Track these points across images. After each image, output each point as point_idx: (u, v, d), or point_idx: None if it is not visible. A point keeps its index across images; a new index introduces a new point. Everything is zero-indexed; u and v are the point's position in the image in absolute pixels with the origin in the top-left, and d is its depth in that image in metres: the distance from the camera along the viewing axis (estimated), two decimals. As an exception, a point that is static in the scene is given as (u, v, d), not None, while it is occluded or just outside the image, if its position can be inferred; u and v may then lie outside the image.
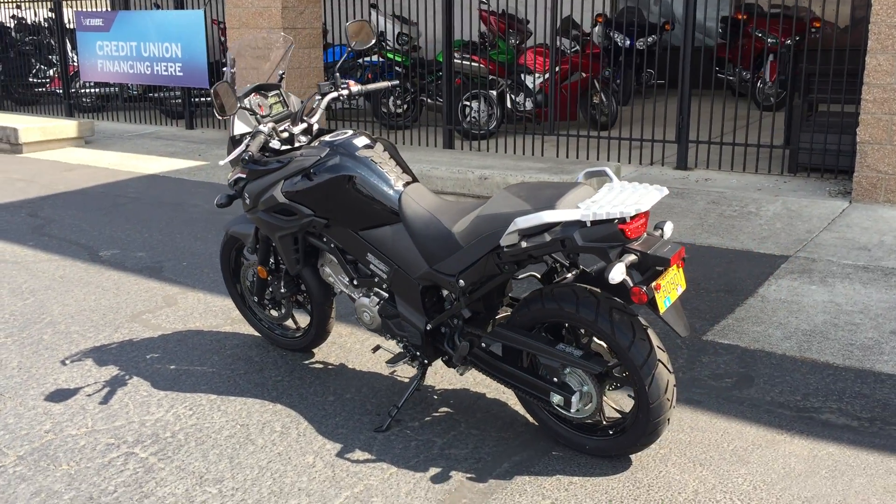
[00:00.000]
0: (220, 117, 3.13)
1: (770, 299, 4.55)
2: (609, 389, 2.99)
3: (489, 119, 9.58)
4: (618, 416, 3.05)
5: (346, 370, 3.77)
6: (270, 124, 3.24)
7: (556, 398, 2.91)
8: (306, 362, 3.87)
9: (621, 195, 2.68)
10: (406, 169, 3.29)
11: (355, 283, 3.35)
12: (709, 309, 4.45)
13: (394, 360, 3.27)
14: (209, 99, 11.43)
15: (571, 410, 2.89)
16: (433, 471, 2.97)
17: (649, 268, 2.65)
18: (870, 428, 3.22)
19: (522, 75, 9.79)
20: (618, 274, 2.53)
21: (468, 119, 9.53)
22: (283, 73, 3.64)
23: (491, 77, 9.64)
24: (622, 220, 2.59)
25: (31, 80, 13.87)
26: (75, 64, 12.51)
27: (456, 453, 3.09)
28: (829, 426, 3.24)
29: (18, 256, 5.61)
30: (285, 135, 3.35)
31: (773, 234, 5.71)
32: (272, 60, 3.69)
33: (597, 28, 11.06)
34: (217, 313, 4.50)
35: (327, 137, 3.31)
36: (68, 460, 3.05)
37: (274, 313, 3.92)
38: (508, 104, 9.68)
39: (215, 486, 2.89)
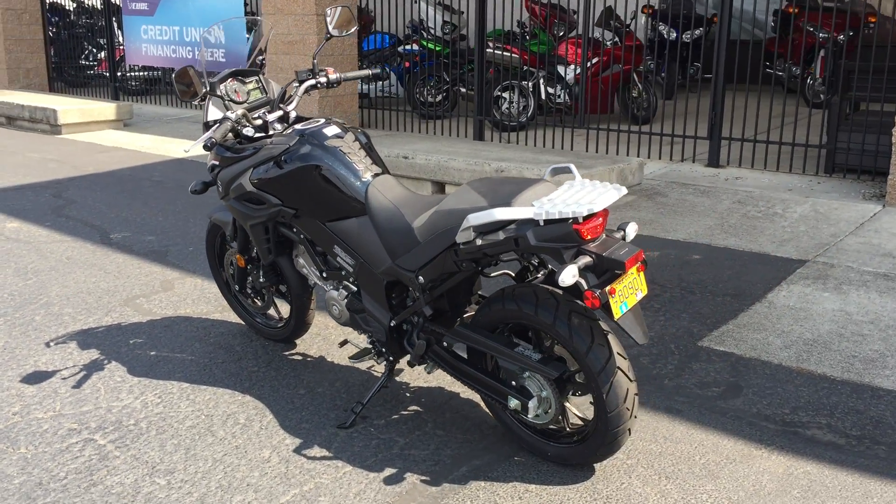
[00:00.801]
0: (183, 100, 3.09)
1: (777, 305, 4.36)
2: (573, 396, 2.87)
3: (523, 111, 9.43)
4: (581, 423, 2.93)
5: (324, 363, 3.71)
6: (240, 111, 3.18)
7: (514, 402, 2.80)
8: (286, 353, 3.82)
9: (578, 194, 2.55)
10: (377, 160, 3.20)
11: (324, 275, 3.28)
12: (711, 313, 4.28)
13: (357, 356, 3.19)
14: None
15: (529, 416, 2.78)
16: (388, 471, 2.89)
17: (606, 271, 2.52)
18: (857, 446, 3.04)
19: (559, 66, 9.61)
20: (568, 277, 2.41)
21: (501, 110, 9.40)
22: (264, 59, 3.58)
23: (526, 68, 9.48)
24: (576, 220, 2.47)
25: (81, 62, 14.13)
26: (122, 47, 12.69)
27: (416, 454, 3.00)
28: (812, 443, 3.07)
29: (32, 236, 5.68)
30: (258, 122, 3.29)
31: (794, 237, 5.48)
32: (251, 46, 3.62)
33: (642, 19, 10.81)
34: (210, 300, 4.48)
35: (299, 126, 3.24)
36: (27, 444, 3.05)
37: (258, 302, 3.88)
38: (543, 96, 9.52)
39: (165, 477, 2.85)
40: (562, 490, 2.78)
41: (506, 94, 9.38)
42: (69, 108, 9.73)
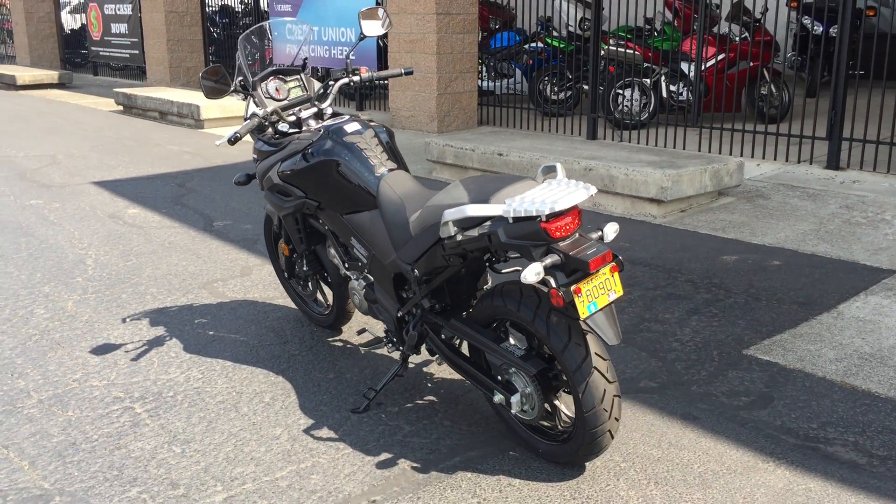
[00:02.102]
0: (209, 98, 3.31)
1: (846, 317, 4.13)
2: (565, 393, 2.88)
3: (643, 109, 9.25)
4: (569, 422, 2.93)
5: (360, 351, 3.86)
6: (272, 107, 3.37)
7: (498, 397, 2.84)
8: (329, 339, 4.00)
9: (550, 192, 2.56)
10: (394, 157, 3.31)
11: (346, 266, 3.43)
12: (770, 321, 4.11)
13: (369, 345, 3.32)
14: (377, 82, 11.85)
15: (512, 410, 2.81)
16: (384, 456, 3.01)
17: (575, 270, 2.52)
18: (878, 468, 2.87)
19: (682, 63, 9.35)
20: (531, 274, 2.43)
21: (620, 108, 9.25)
22: (307, 59, 3.76)
23: (647, 65, 9.28)
24: (543, 218, 2.48)
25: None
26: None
27: (416, 441, 3.10)
28: (829, 460, 2.92)
29: (146, 222, 6.17)
30: (292, 118, 3.48)
31: (892, 246, 5.14)
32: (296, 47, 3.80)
33: (783, 14, 10.31)
34: (278, 286, 4.74)
35: (326, 122, 3.40)
36: (75, 407, 3.37)
37: (306, 289, 4.08)
38: (664, 93, 9.29)
39: (181, 445, 3.09)
40: (544, 487, 2.79)
41: (626, 92, 9.23)
42: (210, 104, 10.41)
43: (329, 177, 3.24)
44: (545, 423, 2.93)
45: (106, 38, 17.28)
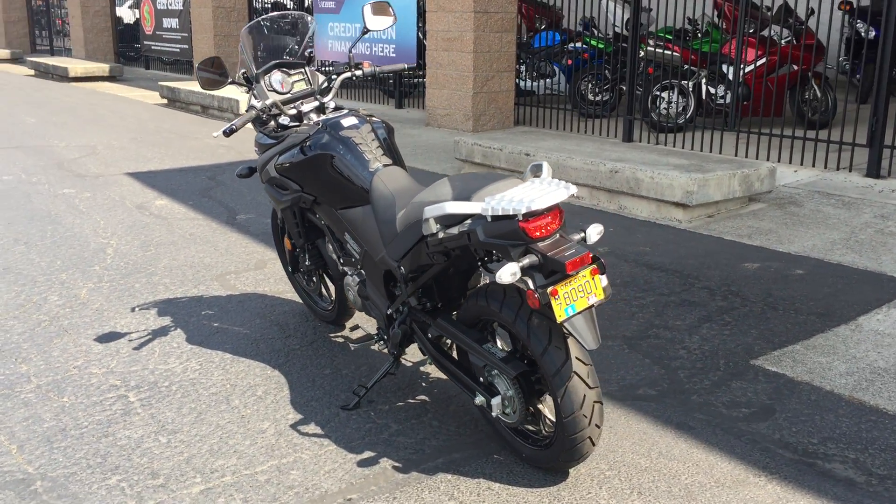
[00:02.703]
0: (204, 90, 3.31)
1: (865, 329, 3.98)
2: (548, 397, 2.81)
3: (682, 111, 9.08)
4: (552, 427, 2.86)
5: (362, 347, 3.83)
6: (271, 100, 3.36)
7: (479, 399, 2.78)
8: (330, 335, 3.99)
9: (529, 191, 2.50)
10: (390, 152, 3.27)
11: (341, 261, 3.40)
12: (784, 332, 3.98)
13: (358, 341, 3.29)
14: (417, 80, 11.85)
15: (493, 413, 2.76)
16: (367, 454, 2.97)
17: (554, 272, 2.45)
18: (875, 486, 2.76)
19: (724, 66, 9.15)
20: (506, 275, 2.38)
21: (659, 110, 9.09)
22: (311, 52, 3.75)
23: (688, 67, 9.11)
24: (524, 218, 2.42)
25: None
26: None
27: (402, 441, 3.06)
28: (824, 476, 2.81)
29: (171, 213, 6.24)
30: (293, 111, 3.46)
31: (924, 257, 4.95)
32: (298, 40, 3.79)
33: (837, 17, 10.01)
34: (289, 281, 4.74)
35: (324, 116, 3.38)
36: (71, 394, 3.40)
37: (310, 284, 4.07)
38: (704, 96, 9.11)
39: (168, 436, 3.09)
40: (524, 492, 2.73)
41: (664, 94, 9.07)
42: (245, 98, 10.50)
43: (324, 171, 3.22)
44: (530, 427, 2.87)
45: (158, 33, 17.57)
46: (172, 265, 5.02)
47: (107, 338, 3.96)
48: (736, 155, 7.61)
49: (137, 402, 3.34)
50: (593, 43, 10.32)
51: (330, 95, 3.56)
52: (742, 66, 8.98)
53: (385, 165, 3.20)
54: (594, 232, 2.59)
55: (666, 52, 9.08)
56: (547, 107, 9.99)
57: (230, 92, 11.16)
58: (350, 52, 3.58)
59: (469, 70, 9.35)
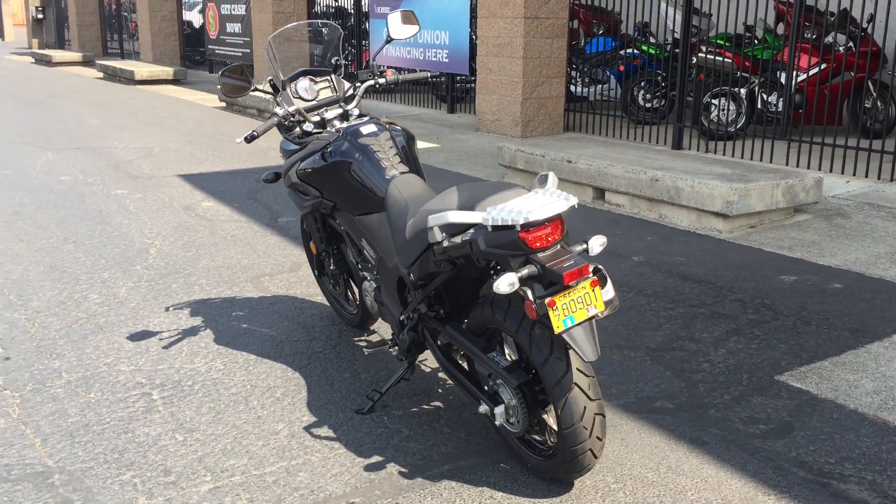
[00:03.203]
0: (226, 96, 3.38)
1: (899, 346, 3.87)
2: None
3: (735, 119, 8.92)
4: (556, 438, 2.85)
5: (381, 352, 3.87)
6: (293, 108, 3.42)
7: (483, 407, 2.79)
8: (354, 338, 4.03)
9: (530, 202, 2.49)
10: (408, 160, 3.30)
11: (360, 266, 3.44)
12: (814, 347, 3.89)
13: (373, 346, 3.32)
14: (469, 85, 11.88)
15: (496, 422, 2.76)
16: (375, 458, 3.00)
17: (553, 283, 2.45)
18: (890, 510, 2.68)
19: (779, 73, 8.97)
20: (504, 285, 2.38)
21: (710, 118, 8.95)
22: (338, 60, 3.80)
23: (742, 74, 8.95)
24: (523, 228, 2.42)
25: (346, 62, 15.33)
26: (368, 49, 13.62)
27: (412, 447, 3.08)
28: (837, 497, 2.74)
29: (216, 215, 6.38)
30: (316, 118, 3.52)
31: (972, 273, 4.78)
32: (324, 48, 3.85)
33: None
34: (321, 284, 4.81)
35: (345, 123, 3.42)
36: (98, 390, 3.51)
37: (336, 288, 4.12)
38: (758, 104, 8.93)
39: (184, 434, 3.17)
40: (525, 502, 2.73)
41: (717, 102, 8.92)
42: (300, 103, 10.66)
43: (342, 177, 3.26)
44: (536, 438, 2.86)
45: (221, 37, 17.94)
46: (210, 266, 5.14)
47: (139, 336, 4.08)
48: (787, 164, 7.46)
49: (160, 400, 3.43)
50: (646, 49, 10.21)
51: (354, 103, 3.60)
52: (798, 73, 8.79)
53: (402, 173, 3.23)
54: (597, 243, 2.58)
55: (718, 58, 8.93)
56: (598, 113, 9.92)
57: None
58: (373, 59, 3.68)
59: (518, 76, 9.34)
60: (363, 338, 4.05)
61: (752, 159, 7.72)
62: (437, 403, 3.39)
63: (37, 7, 30.32)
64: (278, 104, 3.54)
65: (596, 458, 2.65)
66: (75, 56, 22.82)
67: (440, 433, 3.17)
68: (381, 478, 2.89)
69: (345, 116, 3.60)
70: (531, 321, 2.58)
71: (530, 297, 2.44)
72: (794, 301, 4.47)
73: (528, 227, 2.43)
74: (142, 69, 16.67)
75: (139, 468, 2.94)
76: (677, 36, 10.89)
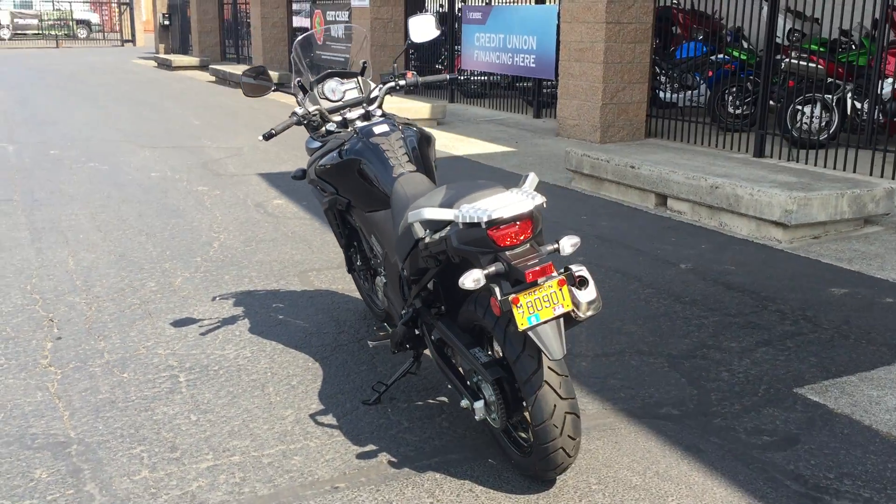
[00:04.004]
0: (247, 96, 3.54)
1: (938, 364, 3.69)
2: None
3: (825, 127, 8.60)
4: None
5: (369, 345, 3.94)
6: (314, 108, 3.56)
7: (464, 402, 2.84)
8: (382, 333, 4.14)
9: (499, 200, 2.53)
10: (418, 160, 3.38)
11: (371, 262, 3.55)
12: (846, 361, 3.76)
13: (376, 339, 3.41)
14: (555, 90, 11.84)
15: (476, 417, 2.81)
16: (370, 447, 3.10)
17: (519, 280, 2.48)
18: (878, 529, 2.59)
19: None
20: (468, 281, 2.44)
21: (799, 126, 8.66)
22: (366, 63, 3.91)
23: (832, 80, 8.62)
24: (491, 226, 2.47)
25: (437, 66, 15.54)
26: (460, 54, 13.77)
27: (407, 438, 3.16)
28: (824, 513, 2.67)
29: (283, 212, 6.62)
30: (338, 118, 3.64)
31: None
32: (352, 50, 3.97)
33: None
34: (363, 280, 4.95)
35: (363, 122, 3.53)
36: (132, 370, 3.74)
37: (369, 282, 4.24)
38: (849, 111, 8.58)
39: (198, 415, 3.35)
40: (502, 497, 2.77)
41: (806, 109, 8.63)
42: (388, 107, 10.91)
43: (353, 175, 3.38)
44: (522, 435, 2.90)
45: (327, 43, 18.49)
46: (264, 260, 5.35)
47: (181, 323, 4.31)
48: (871, 175, 7.15)
49: (185, 383, 3.63)
50: (736, 54, 9.95)
51: (376, 104, 3.71)
52: (890, 80, 8.40)
53: (410, 172, 3.32)
54: (568, 244, 2.59)
55: (808, 64, 8.64)
56: (683, 120, 9.73)
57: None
58: (394, 63, 3.73)
59: (598, 80, 9.28)
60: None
61: (835, 169, 7.44)
62: (443, 398, 3.46)
63: (164, 14, 31.90)
64: (300, 104, 3.69)
65: (570, 456, 2.66)
66: (193, 60, 23.92)
67: (438, 427, 3.24)
68: (370, 465, 2.98)
69: (366, 117, 3.71)
70: (507, 319, 2.62)
71: (496, 294, 2.48)
72: (837, 314, 4.32)
73: (495, 224, 2.47)
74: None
75: (150, 444, 3.13)
76: (780, 41, 10.58)
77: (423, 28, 3.72)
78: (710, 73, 10.21)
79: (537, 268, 2.42)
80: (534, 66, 11.42)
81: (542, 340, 2.48)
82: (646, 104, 9.67)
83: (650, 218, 6.34)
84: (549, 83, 11.86)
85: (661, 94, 10.96)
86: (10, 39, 38.24)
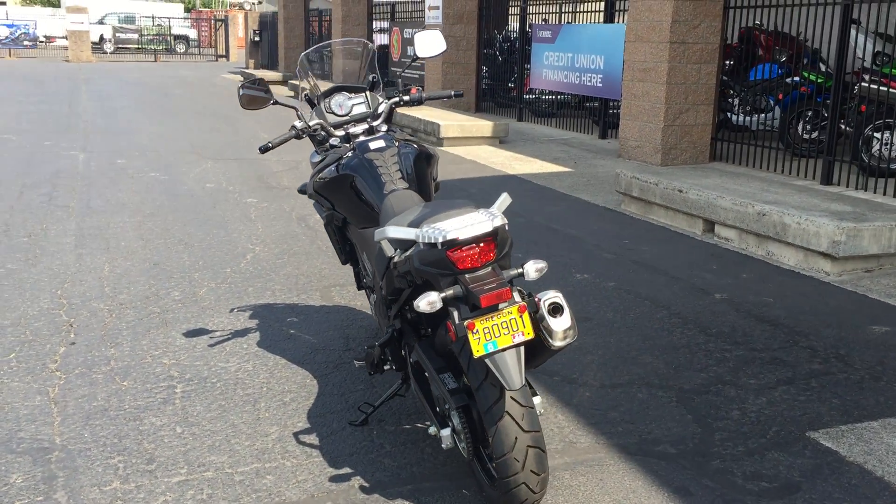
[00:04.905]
0: (245, 108, 3.51)
1: (974, 414, 3.40)
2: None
3: (901, 154, 8.16)
4: None
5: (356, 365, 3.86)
6: (314, 121, 3.52)
7: (432, 429, 2.74)
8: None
9: (459, 221, 2.42)
10: (412, 178, 3.29)
11: (364, 280, 3.47)
12: (872, 405, 3.50)
13: (361, 359, 3.32)
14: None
15: (443, 445, 2.70)
16: (345, 470, 3.02)
17: (476, 305, 2.36)
18: (867, 593, 2.37)
19: (954, 106, 8.11)
20: (423, 303, 2.34)
21: (871, 152, 8.25)
22: (375, 77, 3.85)
23: (909, 106, 8.18)
24: (447, 246, 2.37)
25: (509, 85, 15.47)
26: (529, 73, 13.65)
27: (386, 462, 3.07)
28: (810, 571, 2.46)
29: (322, 226, 6.61)
30: (340, 133, 3.59)
31: None
32: (359, 64, 3.92)
33: None
34: (384, 298, 4.88)
35: (362, 137, 3.47)
36: (133, 379, 3.76)
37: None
38: (927, 139, 8.13)
39: (183, 427, 3.33)
40: (467, 531, 2.65)
41: (880, 135, 8.21)
42: (451, 123, 10.87)
43: (346, 190, 3.32)
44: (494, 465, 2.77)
45: (403, 60, 18.63)
46: (291, 274, 5.35)
47: (193, 333, 4.32)
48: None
49: (180, 394, 3.62)
50: (810, 77, 9.56)
51: (380, 119, 3.65)
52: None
53: (403, 189, 3.24)
54: (532, 268, 2.47)
55: (882, 88, 8.22)
56: (750, 144, 9.39)
57: (437, 116, 11.60)
58: (399, 77, 3.69)
59: (661, 102, 9.04)
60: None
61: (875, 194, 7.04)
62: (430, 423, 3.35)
63: (255, 31, 32.80)
64: (300, 118, 3.65)
65: (534, 492, 2.53)
66: (277, 76, 24.45)
67: (420, 453, 3.13)
68: (341, 489, 2.90)
69: (371, 132, 3.65)
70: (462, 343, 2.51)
71: (454, 318, 2.37)
72: (873, 354, 4.04)
73: (454, 246, 2.37)
74: (326, 86, 17.59)
75: (129, 454, 3.12)
76: (866, 64, 10.13)
77: (430, 43, 3.66)
78: (781, 97, 9.84)
79: (493, 293, 2.31)
80: (600, 85, 11.23)
81: (500, 369, 2.36)
82: (711, 126, 9.37)
83: (695, 244, 6.10)
84: (616, 103, 11.64)
85: (733, 117, 10.62)
86: (112, 53, 39.93)
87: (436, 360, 2.79)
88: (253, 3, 52.77)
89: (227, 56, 39.90)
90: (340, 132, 3.62)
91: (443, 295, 2.37)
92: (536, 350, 2.66)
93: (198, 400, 3.56)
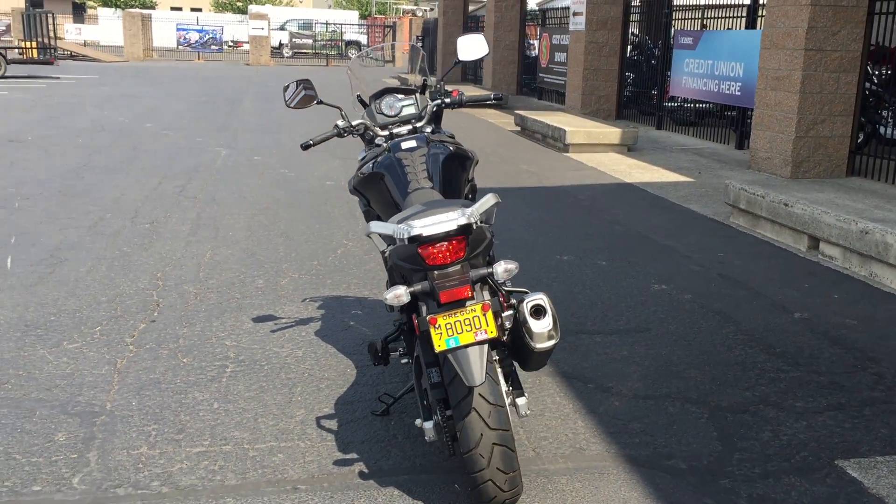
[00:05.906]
0: (289, 106, 3.68)
1: None
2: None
3: None
4: None
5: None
6: (358, 121, 3.65)
7: (418, 421, 2.79)
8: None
9: (430, 218, 2.47)
10: (435, 176, 3.34)
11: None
12: (922, 438, 3.26)
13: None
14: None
15: (426, 438, 2.75)
16: (351, 455, 3.14)
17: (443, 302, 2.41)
18: None
19: None
20: (390, 296, 2.41)
21: None
22: (427, 80, 3.93)
23: None
24: (415, 242, 2.42)
25: (653, 92, 15.13)
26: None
27: (391, 451, 3.17)
28: None
29: (421, 226, 6.79)
30: (385, 133, 3.70)
31: None
32: (411, 67, 3.99)
33: None
34: (451, 297, 4.96)
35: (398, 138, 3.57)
36: (191, 357, 4.03)
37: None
38: None
39: (221, 403, 3.55)
40: (443, 524, 2.70)
41: None
42: (577, 129, 10.79)
43: (376, 188, 3.43)
44: (482, 462, 2.80)
45: (550, 66, 18.61)
46: (372, 269, 5.53)
47: (264, 319, 4.57)
48: None
49: (229, 373, 3.86)
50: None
51: (424, 120, 3.74)
52: None
53: (428, 188, 3.31)
54: (501, 268, 2.48)
55: None
56: (893, 159, 8.77)
57: (565, 123, 11.54)
58: (440, 80, 3.74)
59: (793, 111, 8.62)
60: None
61: None
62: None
63: (417, 36, 33.67)
64: (343, 117, 3.79)
65: (503, 491, 2.54)
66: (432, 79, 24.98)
67: (429, 446, 3.20)
68: (341, 473, 3.02)
69: (414, 132, 3.74)
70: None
71: (421, 312, 2.43)
72: (947, 385, 3.74)
73: (423, 242, 2.43)
74: (471, 93, 17.86)
75: (163, 423, 3.37)
76: None
77: (472, 46, 3.71)
78: None
79: (452, 290, 2.35)
80: (739, 94, 10.82)
81: (461, 364, 2.40)
82: (849, 139, 8.83)
83: (795, 261, 5.80)
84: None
85: (882, 130, 9.95)
86: (289, 57, 42.13)
87: (428, 355, 2.85)
88: (425, 10, 54.05)
89: (392, 61, 41.14)
90: (385, 132, 3.74)
91: (411, 290, 2.43)
92: (521, 353, 2.68)
93: (242, 380, 3.78)
